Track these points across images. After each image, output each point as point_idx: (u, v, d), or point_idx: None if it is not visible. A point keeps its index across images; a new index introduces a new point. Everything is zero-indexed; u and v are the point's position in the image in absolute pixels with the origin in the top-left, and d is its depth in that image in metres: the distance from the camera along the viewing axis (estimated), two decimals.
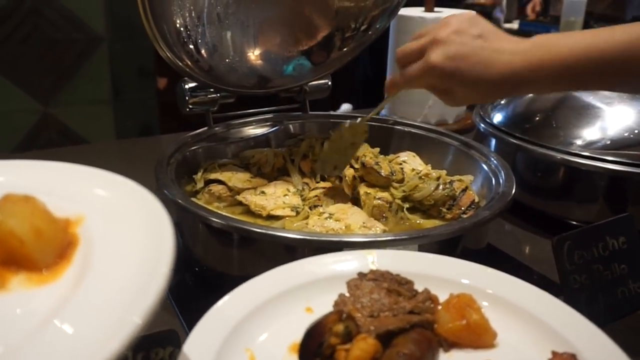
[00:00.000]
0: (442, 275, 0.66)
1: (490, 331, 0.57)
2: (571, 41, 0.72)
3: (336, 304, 0.59)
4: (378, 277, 0.61)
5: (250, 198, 0.95)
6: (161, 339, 0.57)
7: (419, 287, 0.61)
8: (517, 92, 0.78)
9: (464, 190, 0.94)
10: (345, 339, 0.53)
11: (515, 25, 3.18)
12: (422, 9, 1.52)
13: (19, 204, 0.43)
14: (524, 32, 3.01)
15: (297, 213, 0.94)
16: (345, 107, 3.13)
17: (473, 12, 0.82)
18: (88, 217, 0.47)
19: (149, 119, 2.53)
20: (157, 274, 0.38)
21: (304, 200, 0.98)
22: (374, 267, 0.65)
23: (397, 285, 0.60)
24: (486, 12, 3.62)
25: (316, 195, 0.97)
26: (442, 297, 0.60)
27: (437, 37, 0.77)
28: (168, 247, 0.40)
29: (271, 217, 0.93)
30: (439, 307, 0.59)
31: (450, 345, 0.57)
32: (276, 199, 0.96)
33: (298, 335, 0.54)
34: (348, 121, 0.99)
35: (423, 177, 0.99)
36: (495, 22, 3.52)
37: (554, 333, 0.57)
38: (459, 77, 0.76)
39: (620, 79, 0.74)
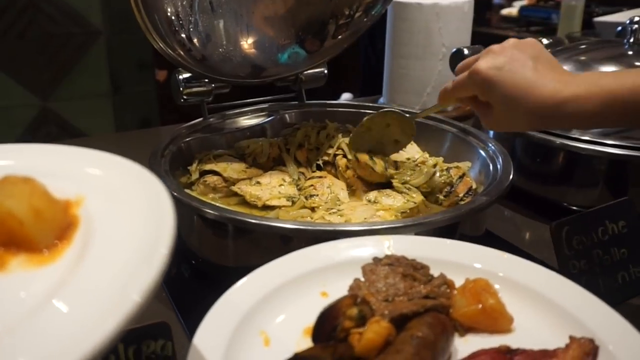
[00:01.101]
0: (458, 260, 0.65)
1: (506, 316, 0.57)
2: (620, 77, 0.70)
3: (351, 288, 0.59)
4: (393, 262, 0.61)
5: (246, 188, 0.94)
6: (152, 332, 0.56)
7: (434, 272, 0.61)
8: (554, 123, 0.76)
9: (461, 177, 0.93)
10: (359, 323, 0.53)
11: (514, 10, 3.14)
12: None
13: (18, 185, 0.43)
14: (524, 16, 2.99)
15: (293, 203, 0.93)
16: (346, 97, 3.12)
17: (536, 40, 0.79)
18: (88, 198, 0.47)
19: (148, 112, 2.53)
20: (156, 254, 0.37)
21: (299, 189, 0.97)
22: (389, 252, 0.65)
23: (413, 270, 0.60)
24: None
25: (312, 185, 0.95)
26: (458, 282, 0.60)
27: (492, 48, 0.76)
28: (168, 228, 0.40)
29: (267, 208, 0.92)
30: (455, 292, 0.59)
31: (466, 329, 0.57)
32: (272, 189, 0.95)
33: (313, 319, 0.54)
34: (390, 109, 1.00)
35: (419, 164, 0.98)
36: (495, 7, 3.50)
37: (571, 318, 0.57)
38: (500, 90, 0.73)
39: None
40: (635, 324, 0.55)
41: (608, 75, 0.73)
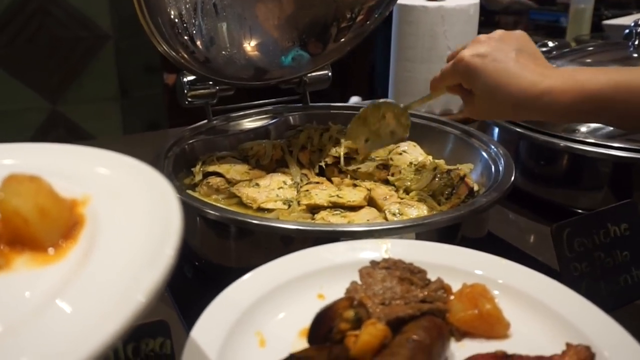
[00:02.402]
0: (455, 266, 0.65)
1: (503, 321, 0.57)
2: (596, 73, 0.72)
3: (348, 291, 0.59)
4: (390, 266, 0.61)
5: (243, 190, 0.94)
6: (151, 330, 0.57)
7: (432, 276, 0.61)
8: (532, 114, 0.77)
9: (462, 178, 0.92)
10: (355, 325, 0.53)
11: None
12: None
13: (24, 184, 0.43)
14: (532, 20, 2.98)
15: (290, 207, 0.92)
16: (355, 100, 3.12)
17: (524, 33, 0.81)
18: (94, 197, 0.47)
19: (156, 116, 2.54)
20: (162, 255, 0.37)
21: (299, 192, 0.96)
22: (387, 256, 0.64)
23: (410, 274, 0.60)
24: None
25: (307, 190, 0.94)
26: (455, 287, 0.60)
27: (479, 37, 0.78)
28: (175, 228, 0.40)
29: (262, 210, 0.91)
30: (452, 297, 0.59)
31: (463, 334, 0.57)
32: (269, 191, 0.94)
33: (309, 321, 0.54)
34: (384, 100, 1.01)
35: (420, 168, 0.98)
36: None
37: (568, 324, 0.57)
38: (482, 78, 0.75)
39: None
40: (638, 327, 0.55)
41: (585, 70, 0.74)
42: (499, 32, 0.80)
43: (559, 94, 0.71)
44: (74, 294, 0.36)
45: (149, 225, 0.42)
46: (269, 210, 0.91)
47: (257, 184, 0.96)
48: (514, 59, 0.74)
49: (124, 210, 0.45)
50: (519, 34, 0.79)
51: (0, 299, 0.37)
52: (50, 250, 0.41)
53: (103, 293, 0.36)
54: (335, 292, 0.59)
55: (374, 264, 0.62)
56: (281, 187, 0.96)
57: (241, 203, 0.94)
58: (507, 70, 0.73)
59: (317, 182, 0.97)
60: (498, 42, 0.76)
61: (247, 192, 0.94)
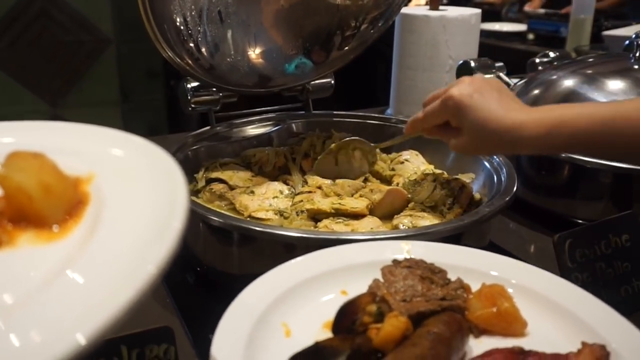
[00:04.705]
0: (474, 267, 0.67)
1: (520, 320, 0.59)
2: (571, 107, 0.79)
3: (370, 287, 0.60)
4: (412, 265, 0.62)
5: (238, 196, 0.94)
6: (155, 336, 0.57)
7: (452, 276, 0.63)
8: (514, 147, 0.82)
9: (462, 188, 0.93)
10: (378, 319, 0.55)
11: (523, 26, 3.14)
12: (427, 7, 1.51)
13: (27, 160, 0.42)
14: (533, 30, 2.99)
15: (283, 217, 0.91)
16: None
17: (498, 80, 0.90)
18: (99, 175, 0.46)
19: (157, 120, 2.55)
20: (170, 227, 0.37)
21: (293, 204, 0.95)
22: (408, 256, 0.66)
23: (431, 273, 0.62)
24: (495, 12, 3.60)
25: (301, 200, 0.94)
26: (474, 288, 0.62)
27: (463, 79, 0.84)
28: (181, 202, 0.39)
29: (253, 219, 0.91)
30: (471, 296, 0.60)
31: (481, 331, 0.59)
32: (262, 200, 0.93)
33: (332, 314, 0.57)
34: (355, 138, 1.05)
35: (419, 180, 0.98)
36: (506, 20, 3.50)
37: (584, 324, 0.58)
38: (471, 114, 0.80)
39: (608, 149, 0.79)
40: None
41: (563, 105, 0.81)
42: (479, 76, 0.89)
43: (535, 125, 0.76)
44: (81, 268, 0.36)
45: (155, 201, 0.41)
46: (259, 220, 0.90)
47: (252, 192, 0.96)
48: (497, 98, 0.80)
49: (129, 187, 0.44)
50: (496, 80, 0.88)
51: (6, 275, 0.37)
52: (55, 227, 0.41)
53: (112, 265, 0.35)
54: (358, 289, 0.61)
55: (396, 262, 0.64)
56: (276, 197, 0.95)
57: (235, 209, 0.94)
58: (493, 108, 0.79)
59: (310, 192, 0.96)
60: (482, 83, 0.82)
61: (240, 199, 0.93)
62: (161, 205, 0.40)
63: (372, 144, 1.06)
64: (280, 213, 0.92)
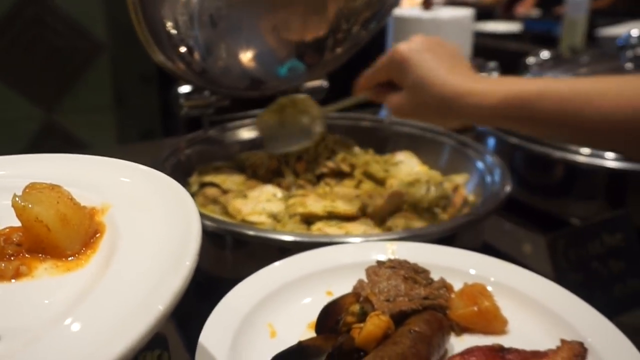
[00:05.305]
0: (458, 267, 0.68)
1: (500, 318, 0.60)
2: (525, 81, 0.76)
3: (355, 288, 0.62)
4: (396, 265, 0.63)
5: (231, 200, 0.94)
6: (149, 342, 0.57)
7: (435, 276, 0.64)
8: (455, 114, 0.78)
9: (455, 189, 0.93)
10: (361, 319, 0.56)
11: (514, 26, 3.14)
12: (420, 8, 1.51)
13: (44, 192, 0.43)
14: (529, 30, 2.99)
15: (276, 220, 0.91)
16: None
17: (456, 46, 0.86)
18: (114, 206, 0.47)
19: (151, 125, 2.54)
20: (181, 265, 0.37)
21: (287, 207, 0.95)
22: (393, 257, 0.67)
23: (414, 273, 0.63)
24: (489, 11, 3.60)
25: (294, 203, 0.94)
26: (457, 287, 0.63)
27: (416, 37, 0.82)
28: (194, 238, 0.40)
29: (246, 222, 0.90)
30: (453, 295, 0.62)
31: (462, 330, 0.60)
32: (256, 203, 0.93)
33: (317, 315, 0.58)
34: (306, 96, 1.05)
35: (412, 182, 0.98)
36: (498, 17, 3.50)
37: (563, 322, 0.59)
38: (414, 71, 0.77)
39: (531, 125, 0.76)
40: (633, 337, 0.55)
41: (514, 78, 0.78)
42: (437, 38, 0.84)
43: (485, 94, 0.73)
44: (93, 304, 0.36)
45: (168, 234, 0.42)
46: (252, 223, 0.90)
47: (245, 195, 0.95)
48: (447, 60, 0.77)
49: (143, 218, 0.45)
50: (453, 45, 0.84)
51: (23, 306, 0.38)
52: (72, 257, 0.42)
53: (124, 301, 0.36)
54: (343, 289, 0.63)
55: (380, 263, 0.64)
56: (269, 200, 0.94)
57: (228, 213, 0.93)
58: (438, 69, 0.76)
59: (303, 195, 0.96)
60: (435, 44, 0.80)
61: (234, 202, 0.93)
62: (175, 234, 0.41)
63: (321, 107, 1.04)
64: (273, 216, 0.92)
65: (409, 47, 0.79)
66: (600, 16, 2.82)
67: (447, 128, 1.01)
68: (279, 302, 0.62)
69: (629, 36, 1.17)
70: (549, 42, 2.77)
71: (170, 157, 1.00)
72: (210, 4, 0.98)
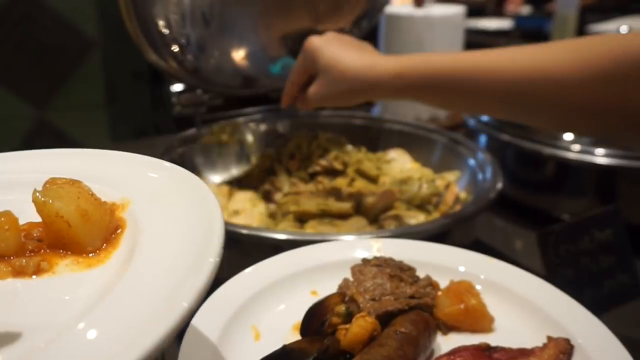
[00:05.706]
0: (444, 264, 0.67)
1: (487, 316, 0.60)
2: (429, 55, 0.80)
3: (340, 287, 0.61)
4: (381, 263, 0.63)
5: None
6: None
7: (421, 274, 0.63)
8: (368, 92, 0.83)
9: (447, 187, 0.93)
10: (347, 320, 0.55)
11: (505, 23, 3.15)
12: (412, 6, 1.52)
13: (65, 187, 0.42)
14: (519, 27, 3.00)
15: (270, 218, 0.92)
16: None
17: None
18: (134, 201, 0.46)
19: (143, 122, 2.53)
20: (205, 261, 0.37)
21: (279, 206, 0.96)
22: (378, 254, 0.67)
23: (400, 271, 0.62)
24: (479, 9, 3.61)
25: (286, 202, 0.94)
26: (443, 284, 0.62)
27: (328, 33, 0.88)
28: (217, 234, 0.39)
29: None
30: (439, 293, 0.61)
31: (449, 328, 0.60)
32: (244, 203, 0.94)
33: (302, 316, 0.57)
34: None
35: (405, 180, 0.99)
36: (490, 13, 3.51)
37: (550, 319, 0.59)
38: (324, 54, 0.84)
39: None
40: (623, 331, 0.56)
41: (424, 54, 0.81)
42: (347, 35, 0.93)
43: (388, 65, 0.78)
44: (115, 301, 0.36)
45: (190, 229, 0.41)
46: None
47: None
48: (356, 47, 0.85)
49: (164, 214, 0.44)
50: (364, 42, 0.90)
51: (44, 303, 0.37)
52: (93, 253, 0.41)
53: (147, 298, 0.35)
54: (328, 288, 0.62)
55: (365, 261, 0.64)
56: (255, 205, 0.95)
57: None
58: (347, 50, 0.83)
59: (296, 193, 0.97)
60: (344, 37, 0.87)
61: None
62: (197, 230, 0.40)
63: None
64: (269, 215, 0.92)
65: (319, 38, 0.86)
66: (589, 13, 2.83)
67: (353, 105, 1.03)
68: (263, 304, 0.61)
69: (619, 32, 1.18)
70: (540, 38, 2.78)
71: (163, 155, 1.00)
72: (202, 2, 0.98)
